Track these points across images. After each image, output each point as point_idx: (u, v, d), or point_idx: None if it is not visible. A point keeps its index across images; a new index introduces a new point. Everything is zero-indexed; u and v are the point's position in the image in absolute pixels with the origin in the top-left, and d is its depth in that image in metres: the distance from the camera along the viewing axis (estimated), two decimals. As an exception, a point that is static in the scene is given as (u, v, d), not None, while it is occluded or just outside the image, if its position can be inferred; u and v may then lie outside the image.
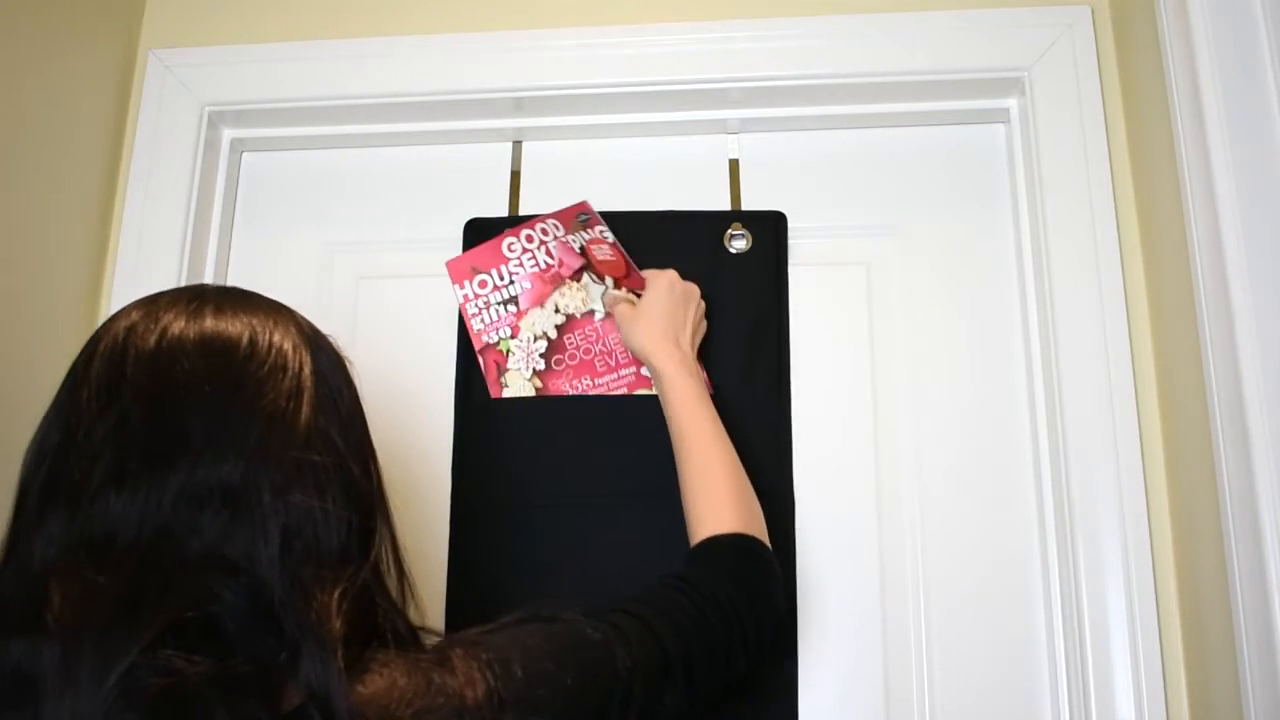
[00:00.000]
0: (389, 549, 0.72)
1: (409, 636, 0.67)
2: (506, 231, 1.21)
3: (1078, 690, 1.06)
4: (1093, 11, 1.22)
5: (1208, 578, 0.98)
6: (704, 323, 1.14)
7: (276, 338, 0.67)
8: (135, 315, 0.67)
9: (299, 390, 0.66)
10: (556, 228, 1.21)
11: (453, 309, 1.25)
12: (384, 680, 0.61)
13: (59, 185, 1.22)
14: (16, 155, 1.14)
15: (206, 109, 1.30)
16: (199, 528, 0.60)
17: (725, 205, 1.28)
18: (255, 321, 0.68)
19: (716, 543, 0.89)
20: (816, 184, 1.28)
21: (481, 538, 1.16)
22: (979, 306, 1.22)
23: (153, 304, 0.68)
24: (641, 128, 1.30)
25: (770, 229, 1.24)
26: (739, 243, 1.23)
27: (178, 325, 0.66)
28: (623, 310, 1.12)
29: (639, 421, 1.15)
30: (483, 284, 1.20)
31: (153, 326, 0.66)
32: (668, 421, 1.00)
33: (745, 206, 1.27)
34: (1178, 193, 1.01)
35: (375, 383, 1.26)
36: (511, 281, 1.20)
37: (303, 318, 0.73)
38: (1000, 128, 1.28)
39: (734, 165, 1.30)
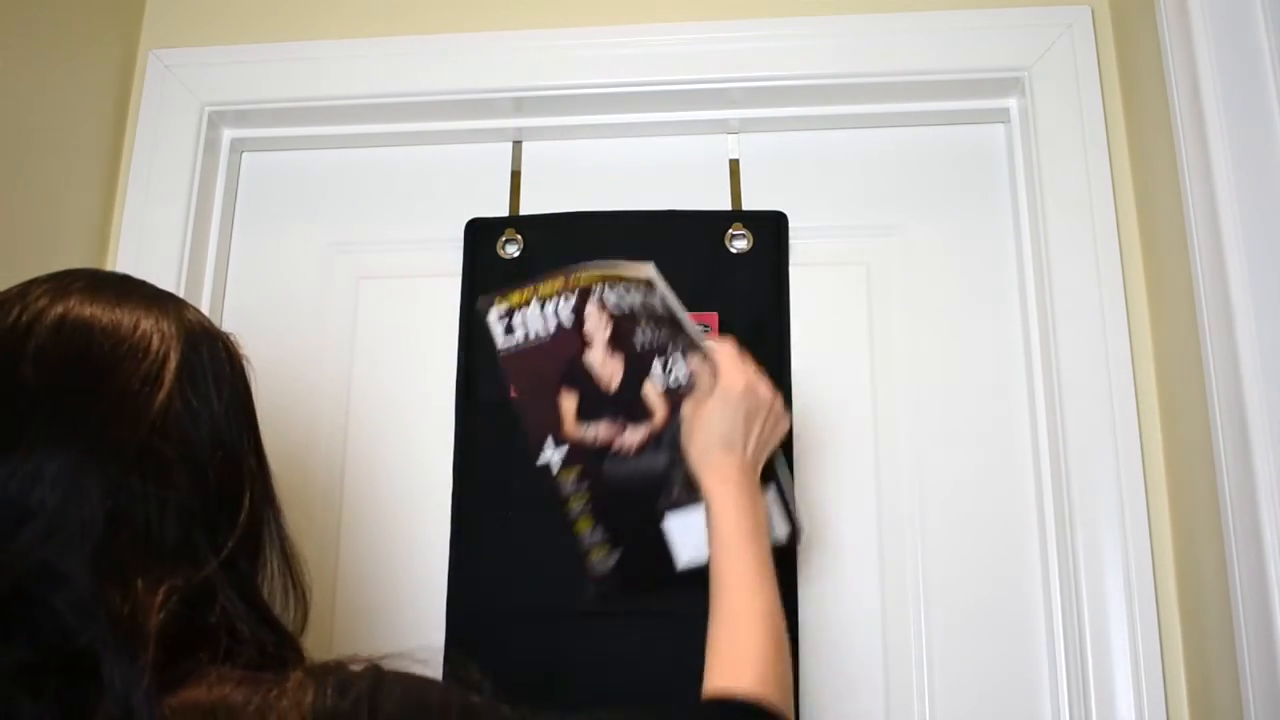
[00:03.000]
0: (275, 555, 0.71)
1: (259, 648, 0.63)
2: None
3: (1078, 690, 1.06)
4: (1093, 11, 1.23)
5: (1208, 578, 0.98)
6: (778, 432, 0.96)
7: (144, 325, 0.66)
8: (10, 293, 0.67)
9: (156, 377, 0.64)
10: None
11: (453, 309, 1.25)
12: (201, 691, 0.58)
13: (59, 185, 1.22)
14: (17, 155, 1.14)
15: (206, 109, 1.30)
16: (30, 511, 0.59)
17: (726, 205, 1.28)
18: (123, 308, 0.66)
19: (726, 708, 0.78)
20: (817, 184, 1.28)
21: (483, 537, 1.16)
22: (979, 306, 1.22)
23: (27, 285, 0.68)
24: (642, 128, 1.30)
25: (771, 229, 1.24)
26: (740, 243, 1.23)
27: (39, 304, 0.65)
28: (685, 412, 0.96)
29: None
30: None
31: (17, 306, 0.65)
32: (710, 548, 0.88)
33: (745, 206, 1.27)
34: (1178, 192, 1.01)
35: (375, 383, 1.27)
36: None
37: (194, 311, 0.71)
38: (1000, 128, 1.28)
39: (734, 165, 1.30)
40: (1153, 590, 1.05)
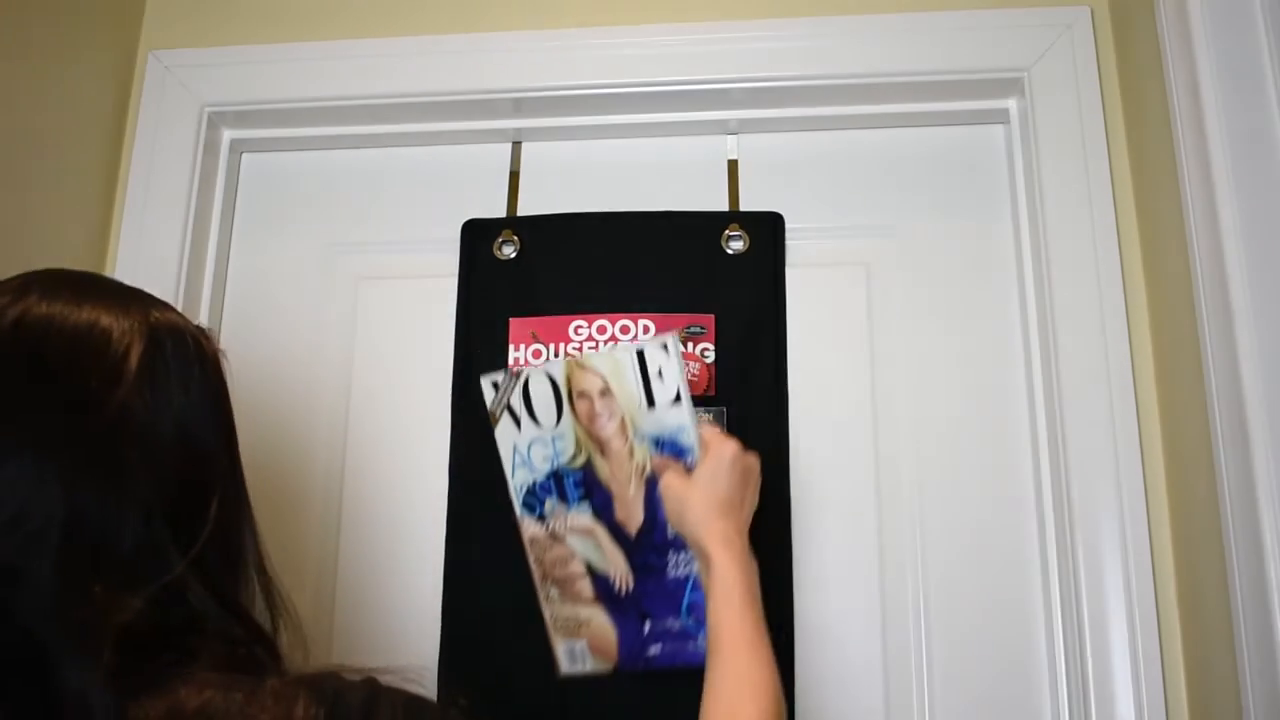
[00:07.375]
0: (250, 562, 0.69)
1: (229, 648, 0.62)
2: (583, 314, 1.21)
3: (1078, 691, 1.06)
4: (1093, 12, 1.22)
5: (1208, 578, 0.98)
6: (756, 499, 0.98)
7: (104, 321, 0.64)
8: None
9: (115, 374, 0.63)
10: (646, 329, 1.19)
11: (452, 310, 1.25)
12: (171, 700, 0.57)
13: (59, 185, 1.22)
14: (16, 155, 1.14)
15: (206, 110, 1.30)
16: None
17: (723, 206, 1.28)
18: (84, 306, 0.65)
19: None
20: (816, 185, 1.28)
21: (478, 539, 1.16)
22: (978, 307, 1.22)
23: None
24: (641, 128, 1.30)
25: (768, 230, 1.24)
26: (736, 244, 1.23)
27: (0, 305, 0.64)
28: (671, 480, 0.95)
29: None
30: (537, 354, 1.20)
31: None
32: (707, 612, 0.87)
33: (744, 207, 1.27)
34: (1177, 192, 1.01)
35: (373, 383, 1.27)
36: None
37: (162, 307, 0.69)
38: (1000, 128, 1.28)
39: (733, 166, 1.30)
40: (1153, 590, 1.05)
